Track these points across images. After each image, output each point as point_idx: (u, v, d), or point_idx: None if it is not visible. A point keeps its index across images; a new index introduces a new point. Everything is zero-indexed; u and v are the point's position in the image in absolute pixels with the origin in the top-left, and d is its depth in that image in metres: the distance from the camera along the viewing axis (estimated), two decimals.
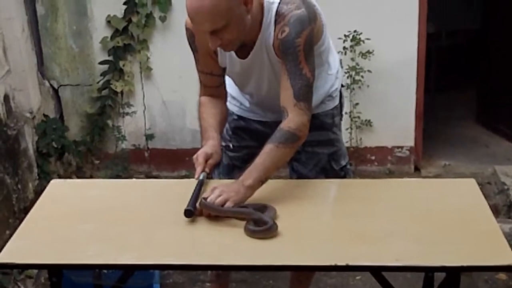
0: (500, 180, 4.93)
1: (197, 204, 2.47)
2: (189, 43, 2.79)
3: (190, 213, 2.45)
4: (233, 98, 3.06)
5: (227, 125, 3.09)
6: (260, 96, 2.90)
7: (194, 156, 2.68)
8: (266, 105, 2.93)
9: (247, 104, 3.03)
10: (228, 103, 3.04)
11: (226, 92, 2.96)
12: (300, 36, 2.55)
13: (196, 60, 2.83)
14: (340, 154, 3.08)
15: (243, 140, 3.10)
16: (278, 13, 2.59)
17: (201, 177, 2.64)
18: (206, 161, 2.67)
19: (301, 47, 2.56)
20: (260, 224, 2.39)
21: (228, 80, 2.97)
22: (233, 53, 2.70)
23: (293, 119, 2.58)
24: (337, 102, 3.04)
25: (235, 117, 3.08)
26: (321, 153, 2.99)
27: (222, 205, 2.45)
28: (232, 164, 3.12)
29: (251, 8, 2.51)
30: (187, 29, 2.73)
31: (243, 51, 2.68)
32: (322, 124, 2.97)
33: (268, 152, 2.57)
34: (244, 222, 2.43)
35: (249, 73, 2.78)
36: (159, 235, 2.43)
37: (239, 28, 2.50)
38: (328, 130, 2.97)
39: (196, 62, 2.84)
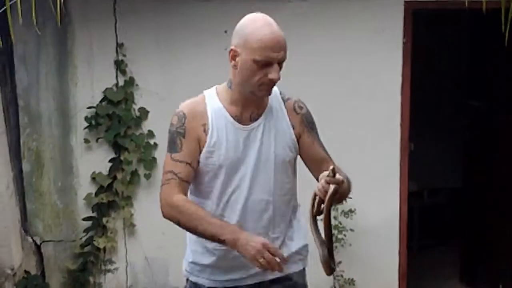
0: None
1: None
2: (175, 130, 2.79)
3: None
4: (203, 267, 2.93)
5: None
6: (245, 186, 2.80)
7: (259, 250, 2.55)
8: (249, 208, 2.82)
9: (213, 259, 2.88)
10: (195, 278, 2.96)
11: None
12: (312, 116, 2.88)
13: (177, 146, 2.77)
14: None
15: None
16: (280, 92, 2.88)
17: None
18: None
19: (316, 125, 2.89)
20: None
21: (193, 246, 2.93)
22: (235, 124, 2.78)
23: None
24: (307, 264, 3.02)
25: None
26: None
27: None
28: None
29: None
30: (180, 113, 2.81)
31: (247, 118, 2.80)
32: (295, 285, 2.95)
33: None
34: None
35: (248, 146, 2.78)
36: None
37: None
38: None
39: (176, 151, 2.77)
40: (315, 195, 2.57)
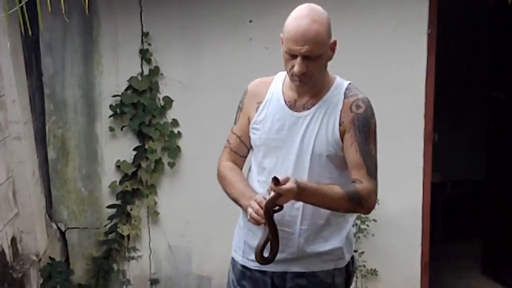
0: None
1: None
2: (238, 104, 3.00)
3: None
4: (240, 243, 3.06)
5: (232, 276, 3.09)
6: (279, 170, 2.83)
7: (254, 208, 2.68)
8: None
9: (245, 231, 3.01)
10: (234, 253, 3.09)
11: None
12: (374, 118, 2.78)
13: (236, 119, 3.00)
14: None
15: None
16: (348, 88, 2.83)
17: None
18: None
19: (373, 128, 2.78)
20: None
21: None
22: (285, 109, 2.84)
23: (366, 188, 2.72)
24: (341, 265, 2.97)
25: (239, 267, 3.06)
26: None
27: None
28: None
29: (331, 58, 2.76)
30: (245, 89, 2.99)
31: (300, 105, 2.83)
32: (321, 283, 2.94)
33: (332, 188, 2.69)
34: None
35: (291, 132, 2.82)
36: None
37: (322, 66, 2.74)
38: None
39: (235, 122, 3.00)
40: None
